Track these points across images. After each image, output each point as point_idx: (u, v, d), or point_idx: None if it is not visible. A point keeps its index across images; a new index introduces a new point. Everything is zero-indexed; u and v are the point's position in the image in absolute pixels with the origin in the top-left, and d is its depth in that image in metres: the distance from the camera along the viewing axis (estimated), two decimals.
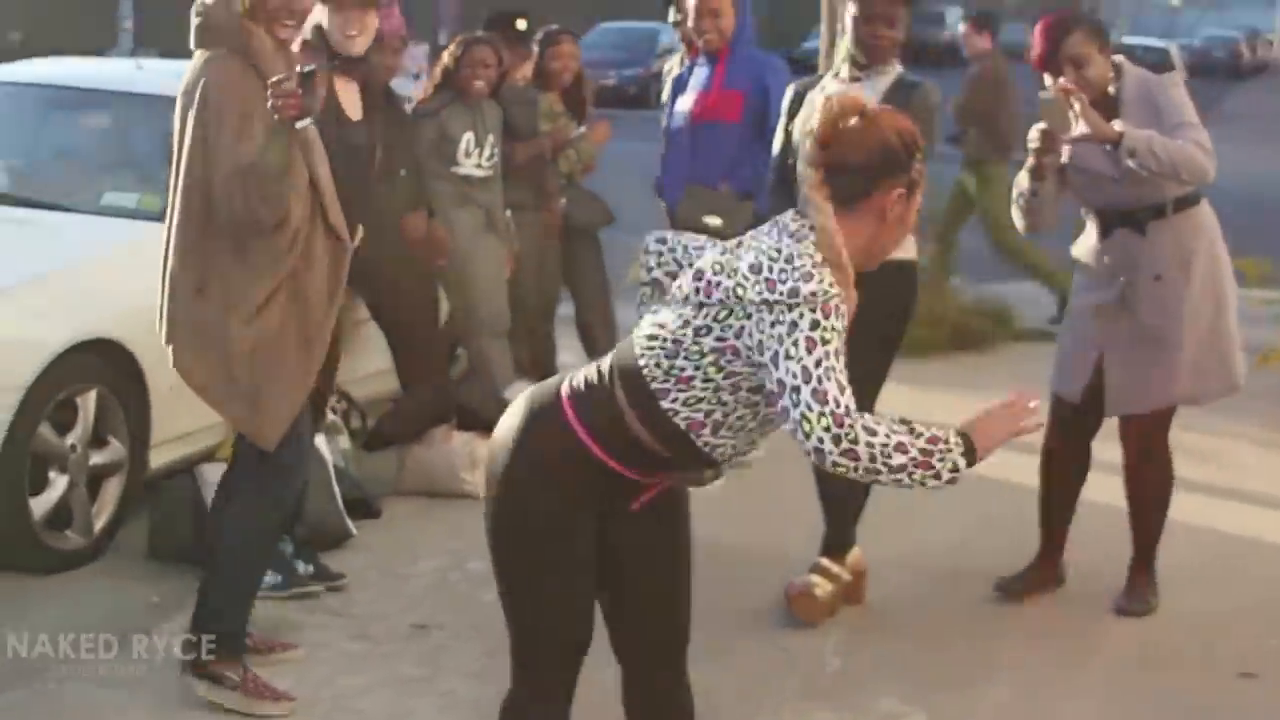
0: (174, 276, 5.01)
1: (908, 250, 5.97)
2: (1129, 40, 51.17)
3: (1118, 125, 5.72)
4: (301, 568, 6.15)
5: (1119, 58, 5.99)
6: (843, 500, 6.00)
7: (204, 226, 4.95)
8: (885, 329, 5.87)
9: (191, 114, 4.95)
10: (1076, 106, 5.68)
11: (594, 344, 9.13)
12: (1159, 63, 40.50)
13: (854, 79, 5.99)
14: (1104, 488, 6.39)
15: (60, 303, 6.24)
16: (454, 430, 7.41)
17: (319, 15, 5.96)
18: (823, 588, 5.88)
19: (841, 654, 5.64)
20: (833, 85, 6.05)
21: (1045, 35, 5.93)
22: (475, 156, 8.04)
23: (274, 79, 4.77)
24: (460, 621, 5.90)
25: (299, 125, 4.80)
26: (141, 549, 6.41)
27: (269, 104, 4.75)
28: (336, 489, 6.60)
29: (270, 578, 5.79)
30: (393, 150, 7.47)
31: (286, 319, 5.02)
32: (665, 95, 8.58)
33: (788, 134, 6.11)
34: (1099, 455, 6.32)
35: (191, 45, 5.10)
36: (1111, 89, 5.89)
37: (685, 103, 7.65)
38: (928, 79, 6.06)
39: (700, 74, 7.66)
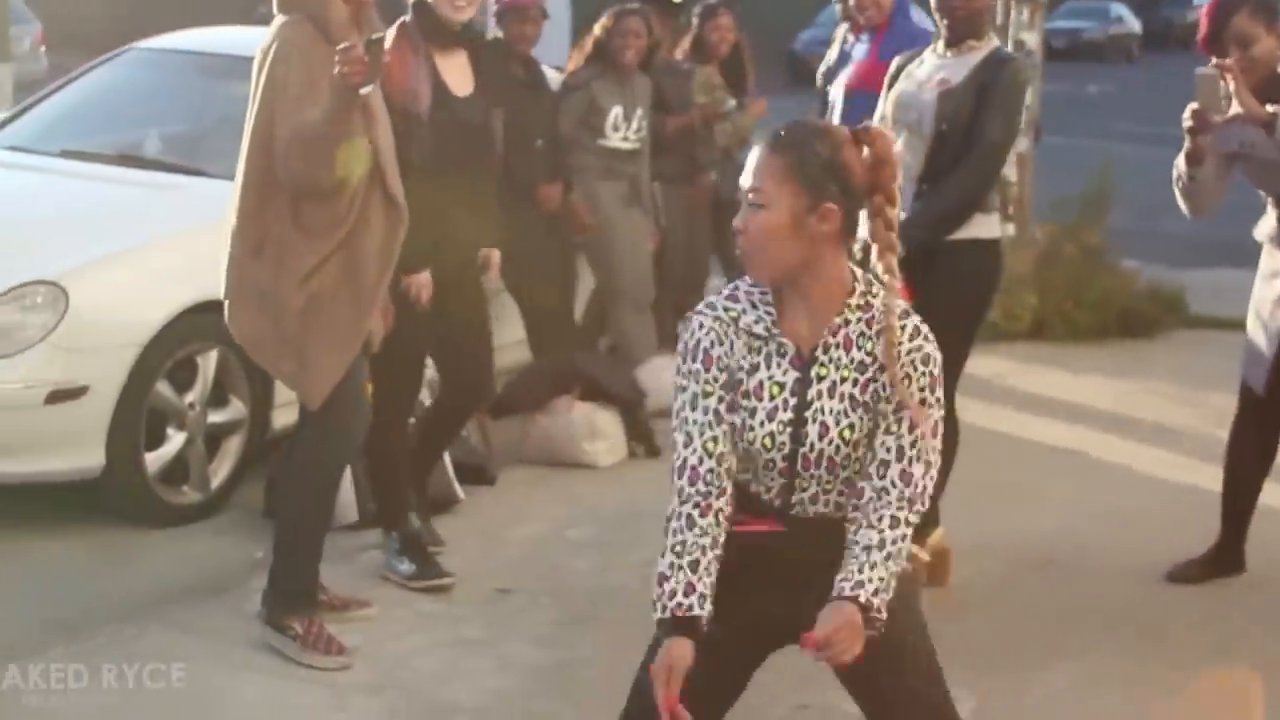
0: (234, 236, 5.20)
1: (989, 229, 5.93)
2: None
3: (1272, 108, 5.63)
4: (405, 567, 6.03)
5: None
6: None
7: (264, 189, 5.12)
8: (963, 311, 5.84)
9: (263, 77, 5.12)
10: (1232, 85, 5.56)
11: None
12: None
13: (944, 54, 5.96)
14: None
15: (186, 263, 6.45)
16: (577, 401, 7.50)
17: None
18: None
19: None
20: (931, 60, 6.03)
21: (1210, 15, 5.86)
22: (623, 129, 8.12)
23: (342, 45, 4.89)
24: (541, 587, 6.01)
25: (363, 91, 4.91)
26: (259, 507, 6.60)
27: (335, 69, 4.85)
28: (447, 454, 6.74)
29: (405, 566, 5.97)
30: (529, 122, 7.59)
31: (340, 282, 5.17)
32: (824, 67, 8.63)
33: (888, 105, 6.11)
34: None
35: (274, 9, 5.26)
36: None
37: (845, 75, 7.70)
38: (1021, 56, 5.99)
39: (860, 48, 7.75)
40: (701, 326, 3.50)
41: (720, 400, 3.48)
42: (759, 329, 3.49)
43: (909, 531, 3.48)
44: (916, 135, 5.90)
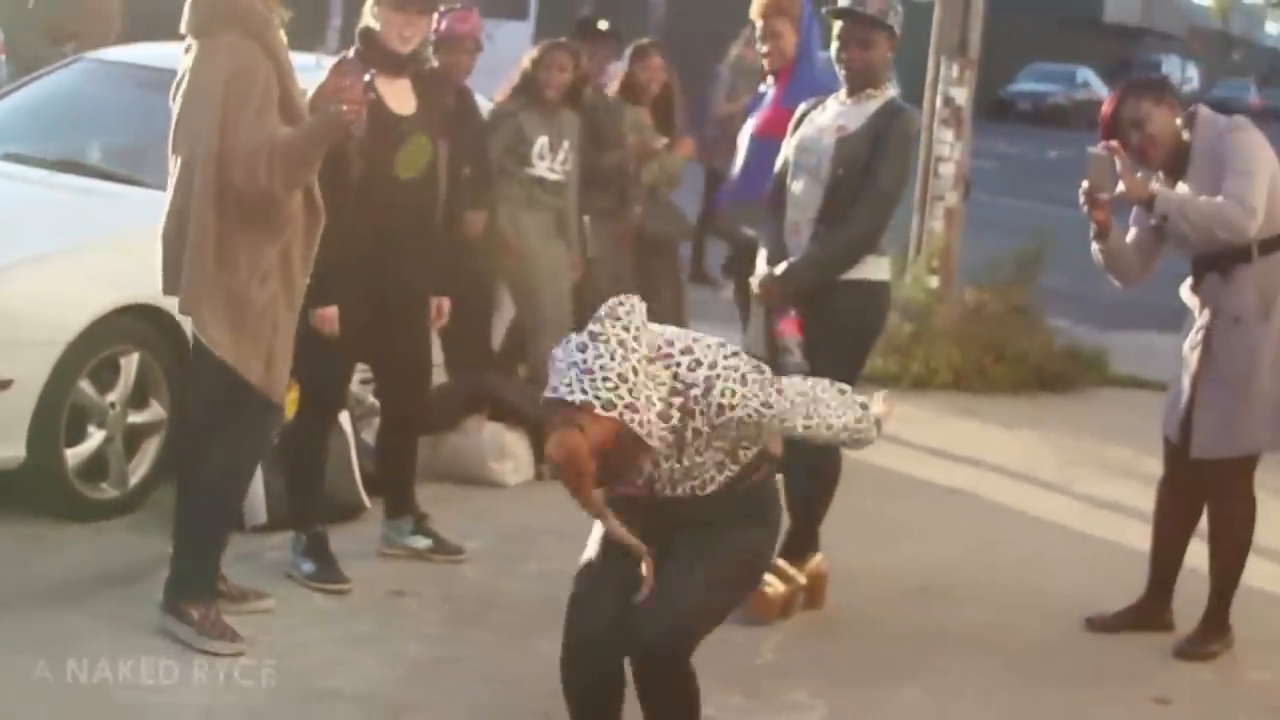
0: (194, 248, 5.47)
1: (879, 271, 6.24)
2: None
3: (1154, 186, 5.96)
4: (421, 542, 6.64)
5: (1199, 106, 6.16)
6: (806, 506, 6.27)
7: (220, 200, 5.43)
8: (850, 346, 6.15)
9: (201, 95, 5.45)
10: (1119, 166, 5.92)
11: None
12: None
13: (845, 101, 6.27)
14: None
15: (110, 267, 6.71)
16: (486, 420, 7.78)
17: (367, 17, 6.34)
18: (774, 587, 6.14)
19: (777, 650, 5.92)
20: (833, 106, 6.34)
21: (1110, 102, 6.15)
22: (549, 160, 8.38)
23: (343, 85, 5.33)
24: (434, 591, 6.29)
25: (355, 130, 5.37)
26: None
27: (334, 109, 5.27)
28: (355, 464, 7.01)
29: (308, 565, 6.27)
30: (460, 148, 7.88)
31: (279, 284, 5.55)
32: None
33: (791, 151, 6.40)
34: None
35: (189, 29, 5.59)
36: (1186, 136, 6.06)
37: (750, 123, 7.97)
38: (914, 107, 6.31)
39: (768, 94, 8.00)
40: None
41: None
42: None
43: None
44: (815, 179, 6.21)
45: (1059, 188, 21.48)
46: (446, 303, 6.65)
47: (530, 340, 8.59)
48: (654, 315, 9.13)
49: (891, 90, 6.32)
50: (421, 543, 6.64)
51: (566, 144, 8.42)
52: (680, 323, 9.34)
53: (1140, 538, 7.51)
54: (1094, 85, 47.55)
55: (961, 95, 10.88)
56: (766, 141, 7.52)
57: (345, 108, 5.26)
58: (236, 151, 5.36)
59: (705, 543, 4.48)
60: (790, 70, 7.67)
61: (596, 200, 8.89)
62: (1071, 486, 8.64)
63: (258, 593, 5.99)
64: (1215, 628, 6.23)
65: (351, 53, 6.28)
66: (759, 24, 7.80)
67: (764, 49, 7.71)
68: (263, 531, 6.68)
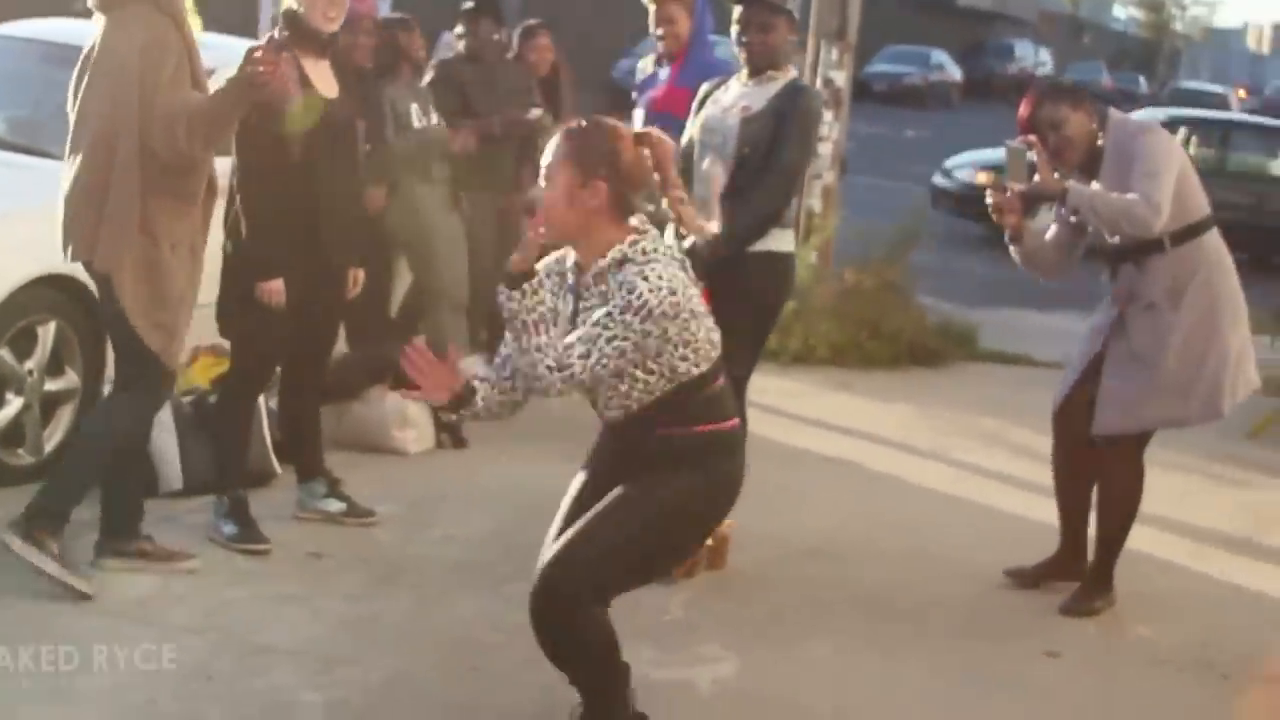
0: (116, 215, 5.67)
1: (784, 243, 6.53)
2: (1189, 85, 51.53)
3: (1068, 181, 6.30)
4: (335, 506, 6.88)
5: (1110, 109, 6.49)
6: None
7: (143, 169, 5.65)
8: (756, 316, 6.44)
9: (116, 64, 5.66)
10: (1036, 158, 6.26)
11: None
12: (1218, 108, 41.17)
13: (747, 83, 6.55)
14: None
15: (27, 238, 6.78)
16: (389, 390, 8.00)
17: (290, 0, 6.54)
18: None
19: (684, 607, 6.19)
20: (735, 87, 6.62)
21: (1027, 103, 6.45)
22: (425, 123, 8.60)
23: (252, 47, 5.54)
24: (350, 553, 6.52)
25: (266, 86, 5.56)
26: None
27: (247, 70, 5.47)
28: (267, 433, 7.21)
29: (229, 528, 6.47)
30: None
31: (189, 256, 5.81)
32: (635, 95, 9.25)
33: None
34: None
35: (97, 4, 5.81)
36: (1101, 140, 6.38)
37: (645, 99, 8.23)
38: (814, 88, 6.60)
39: (661, 74, 8.26)
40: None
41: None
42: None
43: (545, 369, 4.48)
44: (720, 157, 6.49)
45: (920, 167, 22.13)
46: (362, 274, 6.86)
47: (428, 309, 8.81)
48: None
49: (792, 71, 6.62)
50: (335, 506, 6.86)
51: (432, 109, 8.65)
52: None
53: (1011, 501, 7.99)
54: (948, 67, 48.33)
55: (840, 78, 11.24)
56: (661, 118, 7.80)
57: (261, 69, 5.47)
58: (155, 117, 5.58)
59: (631, 489, 4.64)
60: (685, 53, 7.97)
61: (474, 177, 9.09)
62: (946, 455, 9.00)
63: (183, 553, 6.18)
64: (1099, 586, 6.59)
65: (276, 34, 6.47)
66: (652, 9, 8.08)
67: (659, 33, 7.99)
68: (178, 496, 6.87)
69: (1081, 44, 73.92)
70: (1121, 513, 6.58)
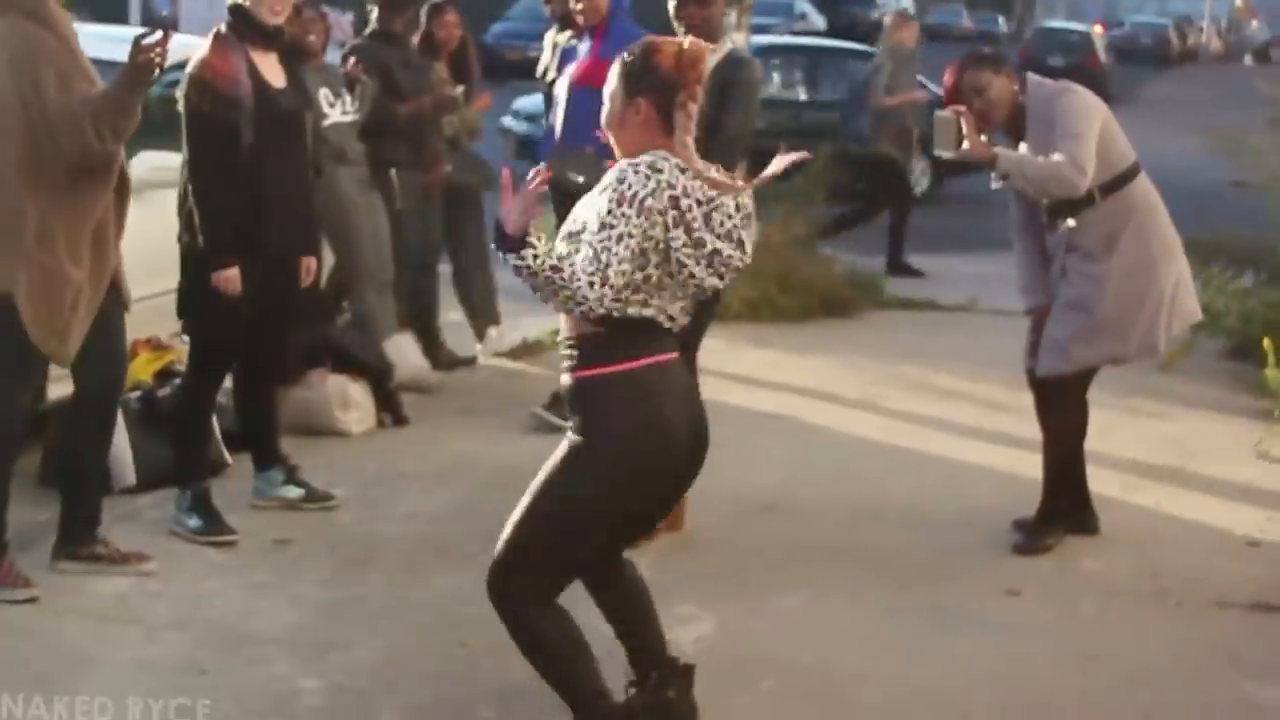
0: (8, 226, 5.59)
1: None
2: (1051, 24, 52.10)
3: (996, 148, 6.49)
4: (294, 492, 6.93)
5: (1028, 74, 6.67)
6: None
7: (35, 181, 5.57)
8: None
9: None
10: (965, 128, 6.43)
11: (472, 303, 9.83)
12: (1080, 45, 41.67)
13: None
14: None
15: None
16: (329, 373, 8.04)
17: None
18: None
19: (652, 569, 6.21)
20: None
21: (951, 72, 6.65)
22: (339, 107, 8.63)
23: (140, 35, 5.49)
24: (315, 538, 6.57)
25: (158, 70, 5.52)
26: (35, 474, 6.97)
27: (137, 58, 5.43)
28: (215, 423, 7.22)
29: (194, 521, 6.49)
30: None
31: (92, 262, 5.73)
32: (544, 66, 9.39)
33: None
34: None
35: None
36: (1022, 101, 6.58)
37: (568, 72, 8.30)
38: (754, 58, 6.71)
39: (582, 47, 8.33)
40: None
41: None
42: None
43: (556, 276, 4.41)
44: None
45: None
46: (314, 262, 6.90)
47: (354, 291, 8.85)
48: (461, 259, 9.67)
49: (729, 43, 6.71)
50: (294, 492, 6.91)
51: (343, 92, 8.68)
52: (486, 269, 9.76)
53: (944, 446, 8.15)
54: (810, 16, 48.50)
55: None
56: (586, 90, 7.86)
57: (149, 57, 5.44)
58: (53, 123, 5.52)
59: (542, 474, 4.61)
60: (605, 24, 8.06)
61: (400, 153, 9.14)
62: (876, 404, 9.17)
63: (138, 555, 6.15)
64: (1048, 524, 6.79)
65: (224, 27, 6.46)
66: None
67: (578, 7, 8.08)
68: (132, 493, 6.88)
69: None
70: (1067, 448, 6.81)
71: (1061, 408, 6.76)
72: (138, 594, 5.89)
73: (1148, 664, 5.70)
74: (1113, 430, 8.37)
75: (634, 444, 4.48)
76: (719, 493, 7.11)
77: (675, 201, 4.39)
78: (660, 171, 4.40)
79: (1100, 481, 7.36)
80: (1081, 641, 5.87)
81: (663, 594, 5.99)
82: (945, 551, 6.73)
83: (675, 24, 6.68)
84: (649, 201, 4.38)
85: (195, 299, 6.47)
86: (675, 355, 4.58)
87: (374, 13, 9.34)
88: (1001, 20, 66.69)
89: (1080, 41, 43.38)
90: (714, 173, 4.52)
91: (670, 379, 4.54)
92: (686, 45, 4.58)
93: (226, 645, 5.49)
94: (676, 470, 4.64)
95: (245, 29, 6.45)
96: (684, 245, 4.40)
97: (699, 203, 4.43)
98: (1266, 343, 8.13)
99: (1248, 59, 64.89)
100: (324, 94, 8.49)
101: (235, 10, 6.49)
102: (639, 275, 4.40)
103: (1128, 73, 46.31)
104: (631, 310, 4.44)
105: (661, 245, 4.40)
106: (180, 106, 6.42)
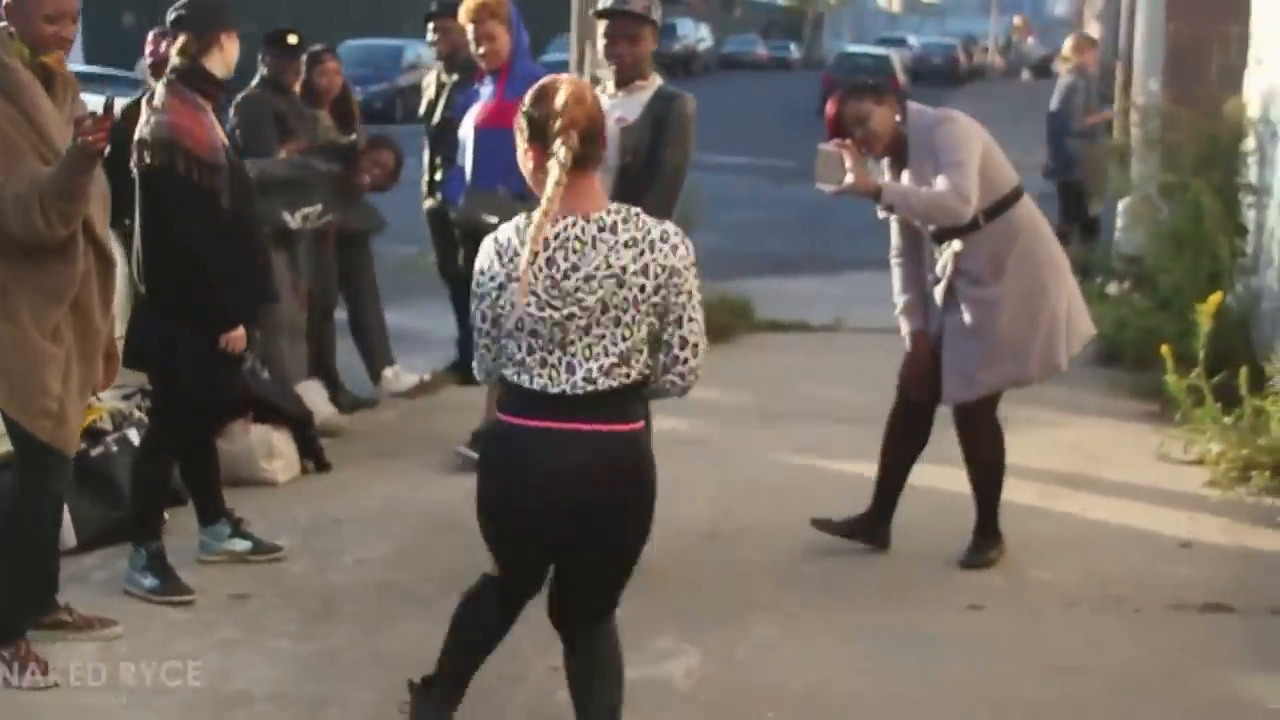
0: None
1: None
2: (851, 49, 52.99)
3: (881, 180, 6.61)
4: (241, 545, 6.82)
5: (908, 102, 6.75)
6: None
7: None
8: None
9: None
10: (848, 161, 6.50)
11: (368, 345, 9.78)
12: (881, 69, 42.40)
13: (615, 94, 6.65)
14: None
15: None
16: (251, 423, 7.94)
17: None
18: None
19: (623, 602, 6.29)
20: (604, 100, 6.69)
21: (833, 103, 6.73)
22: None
23: (80, 117, 5.22)
24: (273, 591, 6.47)
25: (103, 152, 5.25)
26: None
27: (78, 139, 5.15)
28: None
29: (150, 580, 6.36)
30: None
31: (73, 337, 5.51)
32: (427, 104, 9.43)
33: None
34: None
35: None
36: (903, 130, 6.65)
37: (473, 114, 8.30)
38: (685, 92, 6.75)
39: (486, 90, 8.34)
40: None
41: None
42: None
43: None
44: (603, 167, 6.57)
45: None
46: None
47: (266, 340, 8.73)
48: (351, 299, 9.62)
49: (657, 79, 6.75)
50: (241, 545, 6.81)
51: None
52: (378, 311, 9.73)
53: (855, 465, 8.19)
54: None
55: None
56: (492, 132, 7.90)
57: (91, 137, 5.14)
58: (2, 203, 5.29)
59: None
60: (508, 67, 8.09)
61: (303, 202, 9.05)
62: (780, 426, 9.29)
63: (103, 620, 5.99)
64: (988, 539, 6.91)
65: (173, 79, 6.29)
66: (470, 28, 8.20)
67: (480, 50, 8.14)
68: (73, 554, 6.71)
69: (734, 17, 75.70)
70: (993, 468, 6.94)
71: (978, 437, 6.88)
72: (108, 660, 5.72)
73: (1125, 670, 5.81)
74: (1011, 442, 8.52)
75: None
76: (660, 521, 7.11)
77: None
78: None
79: (1017, 491, 7.48)
80: (1057, 653, 5.96)
81: (638, 628, 6.02)
82: (895, 569, 6.82)
83: (606, 61, 6.70)
84: None
85: (188, 358, 6.32)
86: None
87: (262, 59, 9.24)
88: (793, 46, 67.84)
89: (880, 65, 44.22)
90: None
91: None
92: (571, 87, 4.63)
93: (219, 707, 5.40)
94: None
95: (199, 81, 6.33)
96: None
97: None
98: (1165, 349, 8.32)
99: (1025, 74, 66.72)
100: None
101: (184, 70, 6.30)
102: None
103: (921, 93, 46.88)
104: None
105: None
106: (135, 166, 6.26)
